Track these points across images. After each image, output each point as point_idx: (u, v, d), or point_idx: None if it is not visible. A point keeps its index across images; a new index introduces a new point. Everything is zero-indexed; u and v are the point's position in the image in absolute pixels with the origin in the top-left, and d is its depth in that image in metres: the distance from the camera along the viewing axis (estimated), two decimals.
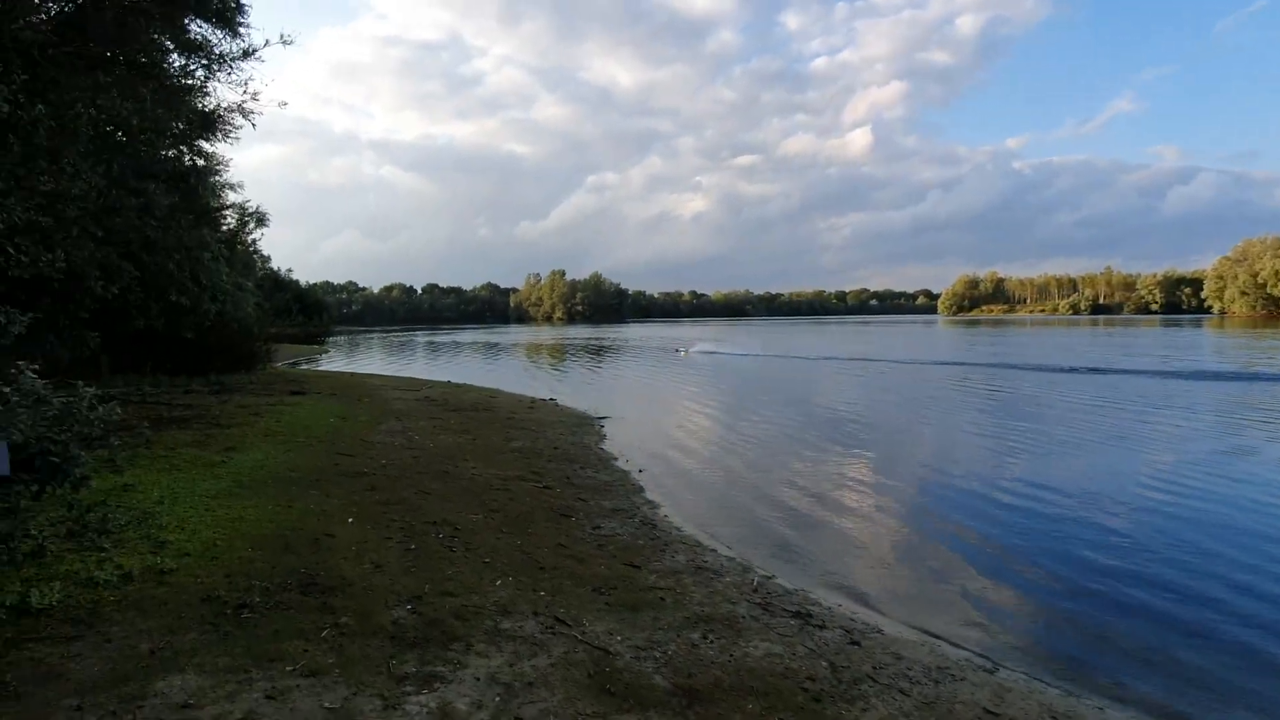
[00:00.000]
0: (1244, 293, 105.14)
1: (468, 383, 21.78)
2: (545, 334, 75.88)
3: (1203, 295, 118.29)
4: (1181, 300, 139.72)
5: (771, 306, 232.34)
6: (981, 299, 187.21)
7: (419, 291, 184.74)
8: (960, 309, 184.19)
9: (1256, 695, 4.07)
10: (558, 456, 10.04)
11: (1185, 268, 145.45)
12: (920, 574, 6.08)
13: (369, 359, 37.90)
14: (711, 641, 4.32)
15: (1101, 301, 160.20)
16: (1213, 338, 47.39)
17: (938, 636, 4.77)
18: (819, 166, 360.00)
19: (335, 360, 36.05)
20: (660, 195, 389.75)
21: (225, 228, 22.53)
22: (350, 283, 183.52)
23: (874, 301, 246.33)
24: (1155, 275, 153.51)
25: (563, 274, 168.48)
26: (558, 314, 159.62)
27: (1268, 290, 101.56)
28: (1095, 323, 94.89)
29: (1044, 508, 7.85)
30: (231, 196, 22.34)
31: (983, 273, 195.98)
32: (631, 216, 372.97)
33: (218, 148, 16.84)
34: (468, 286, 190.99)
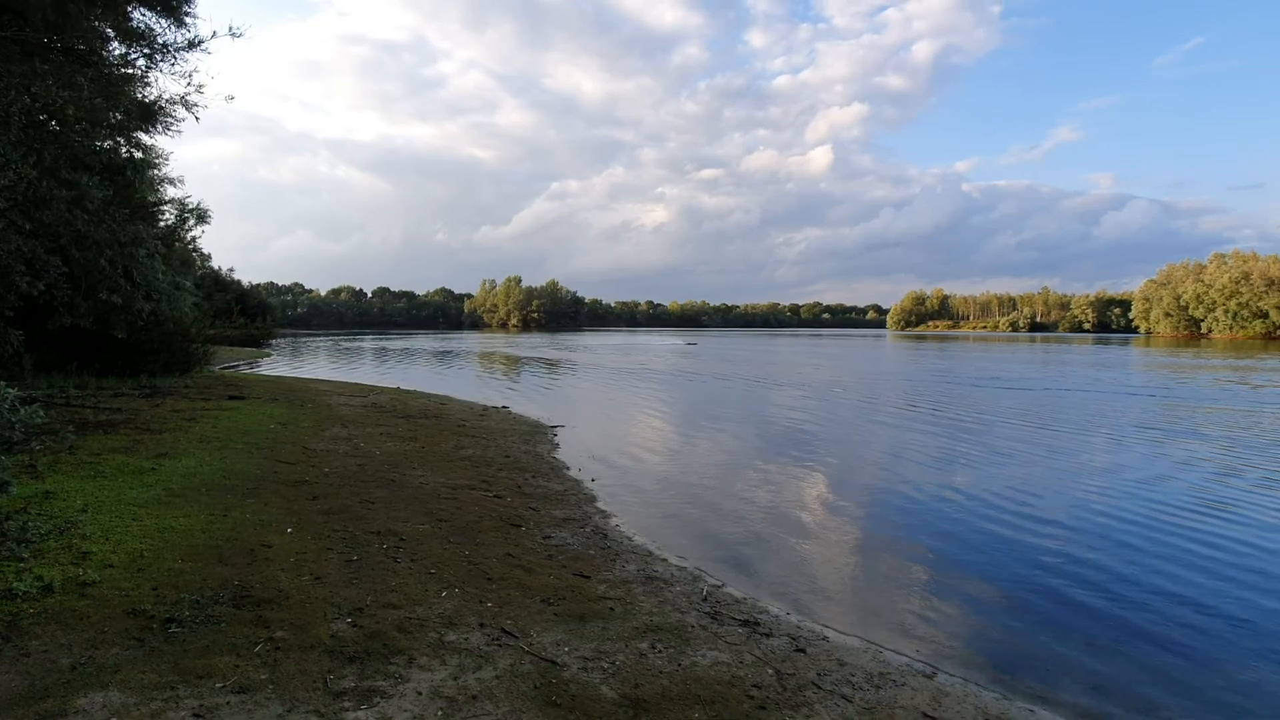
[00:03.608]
0: (1167, 314, 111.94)
1: (417, 389, 21.32)
2: (500, 341, 74.94)
3: (1130, 316, 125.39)
4: (1112, 320, 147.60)
5: (727, 318, 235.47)
6: (928, 315, 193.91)
7: (369, 295, 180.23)
8: (908, 324, 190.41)
9: (1177, 695, 4.29)
10: (509, 465, 9.91)
11: (1116, 290, 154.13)
12: (866, 582, 6.22)
13: (314, 363, 36.73)
14: (660, 651, 4.32)
15: (1039, 320, 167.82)
16: (1139, 356, 50.14)
17: (880, 644, 4.88)
18: (779, 182, 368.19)
19: (278, 364, 34.81)
20: (622, 205, 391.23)
21: (163, 223, 21.60)
22: (296, 284, 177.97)
23: (827, 315, 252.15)
24: (1089, 296, 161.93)
25: (519, 280, 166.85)
26: (513, 321, 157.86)
27: (1188, 312, 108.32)
28: (1033, 340, 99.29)
29: (984, 518, 8.14)
30: (171, 191, 21.51)
31: (930, 290, 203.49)
32: (593, 225, 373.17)
33: (158, 140, 16.21)
34: (421, 291, 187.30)
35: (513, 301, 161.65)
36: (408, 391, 20.23)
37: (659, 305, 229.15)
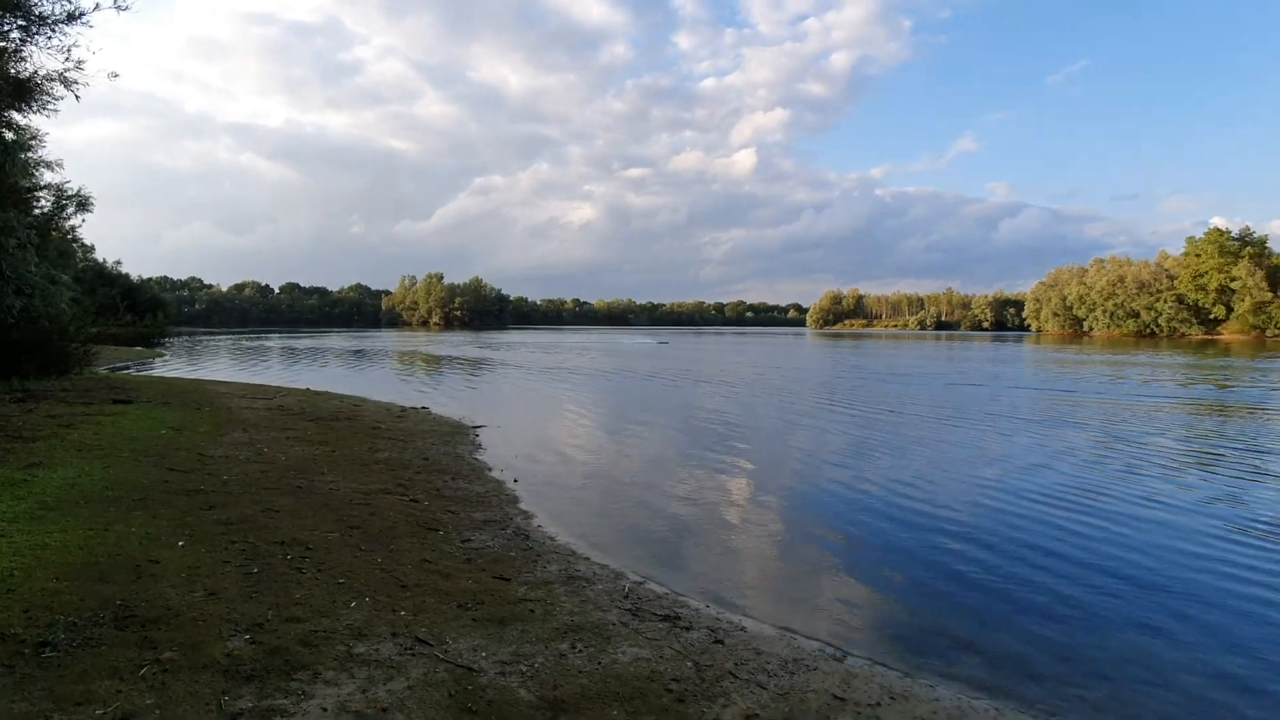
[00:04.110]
0: (1055, 314, 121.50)
1: (329, 390, 20.33)
2: (420, 339, 72.53)
3: (1024, 315, 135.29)
4: (1007, 319, 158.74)
5: (654, 316, 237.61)
6: (845, 314, 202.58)
7: (276, 291, 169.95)
8: (826, 323, 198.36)
9: (1059, 661, 4.66)
10: (427, 468, 9.60)
11: (1011, 291, 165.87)
12: (783, 571, 6.42)
13: (213, 364, 34.35)
14: (580, 650, 4.30)
15: (944, 319, 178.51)
16: (1030, 353, 54.22)
17: (795, 631, 5.04)
18: (705, 183, 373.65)
19: (172, 365, 32.34)
20: (549, 202, 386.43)
21: (38, 211, 19.66)
22: (194, 278, 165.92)
23: (750, 314, 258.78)
24: (987, 296, 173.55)
25: (440, 277, 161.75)
26: (434, 319, 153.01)
27: (1073, 312, 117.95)
28: (938, 338, 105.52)
29: (892, 506, 8.57)
30: (48, 176, 19.62)
31: (846, 290, 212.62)
32: (519, 221, 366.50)
33: (32, 120, 14.69)
34: (334, 287, 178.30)
35: (434, 299, 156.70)
36: (318, 393, 19.25)
37: (585, 303, 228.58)
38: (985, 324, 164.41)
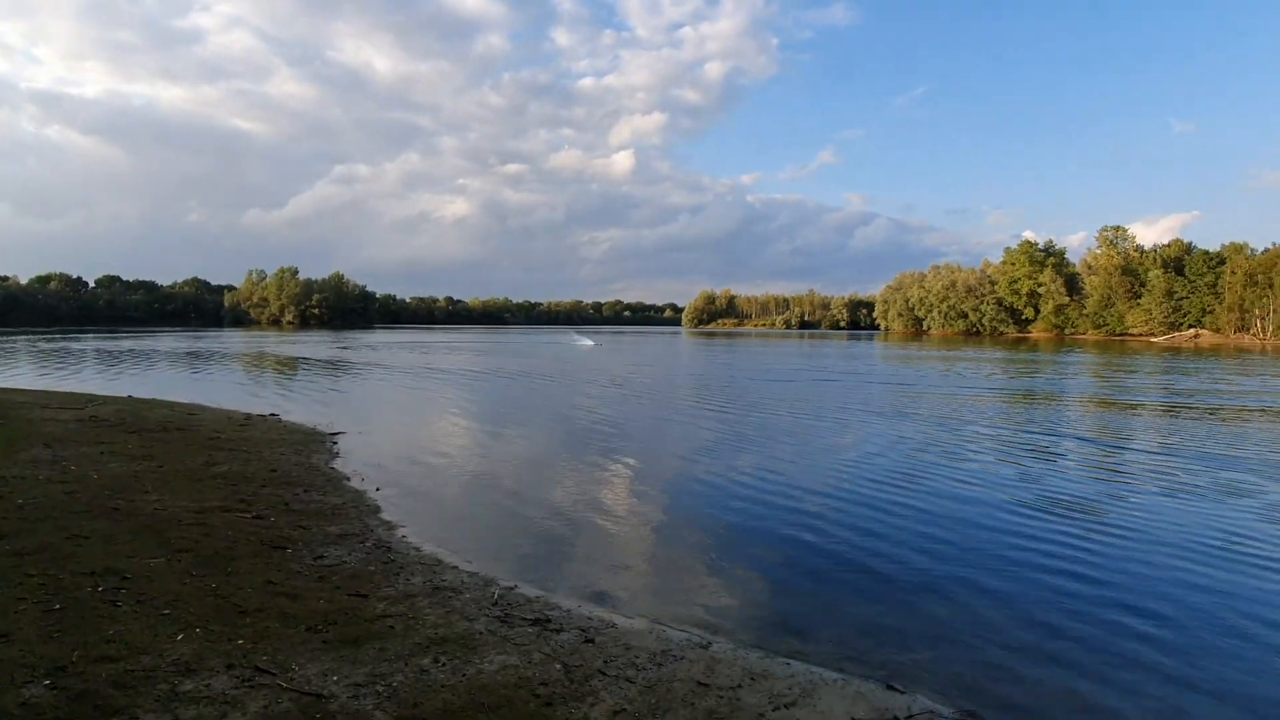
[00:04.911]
0: (900, 314, 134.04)
1: (157, 397, 18.07)
2: (272, 339, 66.43)
3: (874, 315, 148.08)
4: (861, 319, 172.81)
5: (531, 315, 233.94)
6: (718, 313, 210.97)
7: (91, 285, 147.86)
8: (700, 321, 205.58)
9: (899, 635, 5.11)
10: (275, 480, 8.81)
11: (864, 293, 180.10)
12: (655, 565, 6.55)
13: (12, 369, 29.43)
14: (443, 664, 4.13)
15: (807, 318, 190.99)
16: (879, 350, 59.42)
17: (664, 623, 5.15)
18: (584, 182, 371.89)
19: None
20: (419, 195, 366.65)
21: None
22: None
23: (627, 313, 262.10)
24: (844, 298, 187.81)
25: (294, 272, 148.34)
26: (288, 317, 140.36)
27: (914, 312, 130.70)
28: (802, 336, 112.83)
29: (757, 497, 9.02)
30: None
31: (719, 290, 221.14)
32: (386, 214, 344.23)
33: None
34: (166, 281, 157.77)
35: (287, 295, 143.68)
36: (143, 400, 17.06)
37: (459, 301, 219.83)
38: (842, 323, 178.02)
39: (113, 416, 13.47)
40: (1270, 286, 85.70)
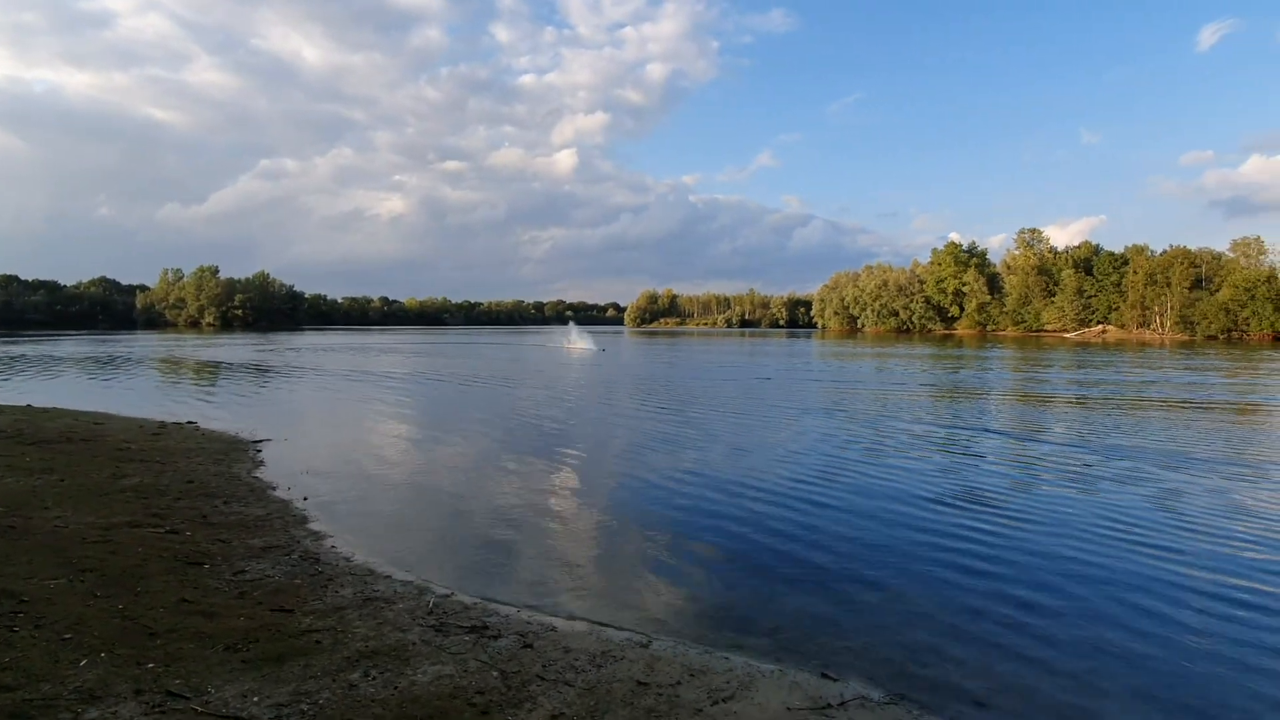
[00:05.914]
0: (836, 312, 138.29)
1: (59, 406, 16.78)
2: (190, 343, 62.67)
3: (812, 314, 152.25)
4: (799, 317, 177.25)
5: (470, 315, 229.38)
6: (660, 312, 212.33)
7: None
8: (643, 321, 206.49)
9: (831, 625, 5.25)
10: (191, 492, 8.31)
11: (802, 292, 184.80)
12: (597, 566, 6.50)
13: None
14: (374, 678, 3.98)
15: (747, 317, 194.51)
16: (816, 348, 61.08)
17: (605, 624, 5.13)
18: (525, 180, 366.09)
19: None
20: (353, 191, 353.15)
21: None
22: None
23: (569, 313, 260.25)
24: (783, 297, 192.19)
25: (215, 270, 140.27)
26: (208, 319, 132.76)
27: (850, 311, 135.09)
28: (743, 334, 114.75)
29: (698, 494, 9.10)
30: None
31: (661, 289, 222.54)
32: (316, 211, 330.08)
33: None
34: (71, 281, 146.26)
35: (207, 296, 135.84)
36: (43, 410, 15.80)
37: (395, 302, 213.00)
38: (781, 321, 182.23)
39: (8, 427, 12.42)
40: (1168, 285, 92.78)
